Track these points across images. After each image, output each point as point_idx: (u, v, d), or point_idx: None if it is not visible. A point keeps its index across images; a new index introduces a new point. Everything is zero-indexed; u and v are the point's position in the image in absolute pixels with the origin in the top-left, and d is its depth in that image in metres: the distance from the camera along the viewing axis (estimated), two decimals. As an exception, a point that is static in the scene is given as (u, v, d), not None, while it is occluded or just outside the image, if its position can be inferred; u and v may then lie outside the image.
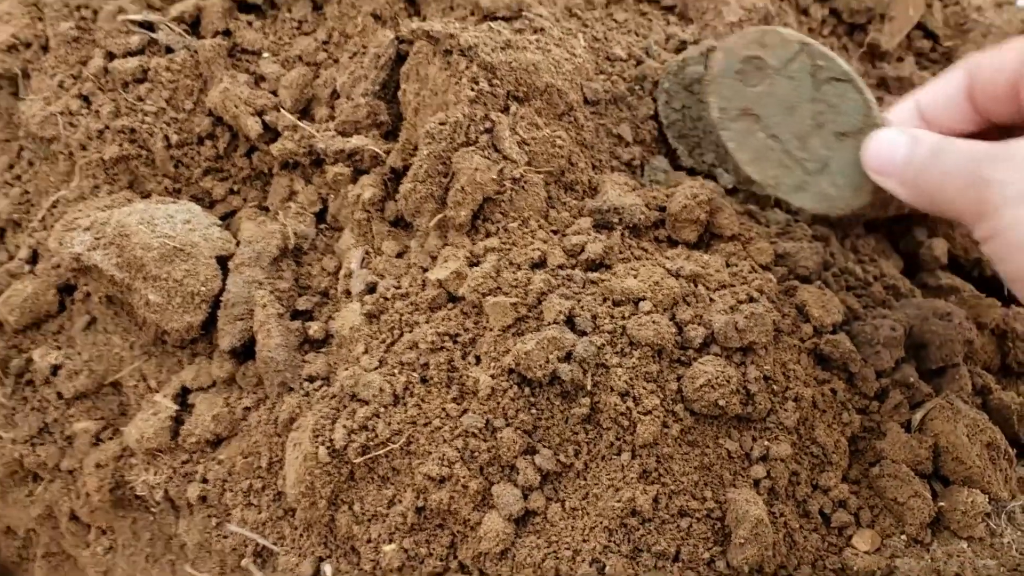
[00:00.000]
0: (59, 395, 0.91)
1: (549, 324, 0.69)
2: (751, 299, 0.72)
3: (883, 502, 0.73)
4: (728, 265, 0.77)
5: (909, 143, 0.51)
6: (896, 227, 0.95)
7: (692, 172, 0.87)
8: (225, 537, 0.80)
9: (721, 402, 0.67)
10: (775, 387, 0.71)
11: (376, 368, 0.72)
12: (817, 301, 0.76)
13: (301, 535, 0.76)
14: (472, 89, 0.76)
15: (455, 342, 0.72)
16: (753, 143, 0.53)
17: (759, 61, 0.52)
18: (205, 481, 0.81)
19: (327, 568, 0.73)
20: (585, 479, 0.68)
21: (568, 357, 0.67)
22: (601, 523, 0.67)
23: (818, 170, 0.53)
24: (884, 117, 0.52)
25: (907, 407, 0.76)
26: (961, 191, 0.47)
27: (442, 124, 0.75)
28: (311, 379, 0.78)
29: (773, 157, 0.54)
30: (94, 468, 0.86)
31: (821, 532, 0.72)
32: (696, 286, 0.73)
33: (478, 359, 0.71)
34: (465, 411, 0.70)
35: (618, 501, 0.67)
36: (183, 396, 0.85)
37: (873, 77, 1.22)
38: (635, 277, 0.72)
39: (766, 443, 0.70)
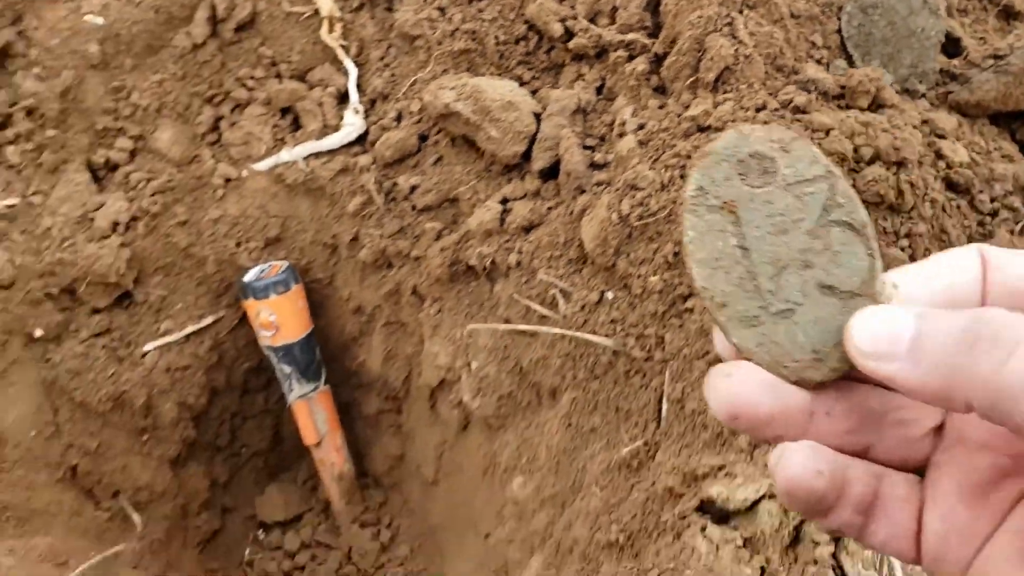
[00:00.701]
0: (413, 207, 1.36)
1: (768, 140, 1.08)
2: (904, 139, 1.09)
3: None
4: (889, 121, 1.13)
5: (919, 319, 0.35)
6: (1014, 122, 1.29)
7: (863, 70, 1.24)
8: (532, 288, 1.22)
9: (882, 192, 1.04)
10: (918, 190, 1.07)
11: (648, 169, 1.13)
12: (950, 147, 1.12)
13: (588, 280, 1.17)
14: (719, -3, 1.17)
15: (704, 153, 1.11)
16: (717, 244, 0.41)
17: (770, 163, 0.41)
18: (520, 252, 1.23)
19: (609, 294, 1.14)
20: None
21: (781, 158, 1.06)
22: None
23: (780, 313, 0.40)
24: (889, 292, 0.38)
25: (1013, 222, 1.11)
26: None
27: (699, 17, 1.16)
28: (598, 184, 1.19)
29: (734, 272, 0.40)
30: (439, 251, 1.30)
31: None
32: (867, 128, 1.10)
33: (718, 164, 1.10)
34: (709, 194, 1.09)
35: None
36: (504, 203, 1.28)
37: (1006, 32, 1.56)
38: (827, 118, 1.10)
39: (909, 225, 1.06)
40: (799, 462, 0.36)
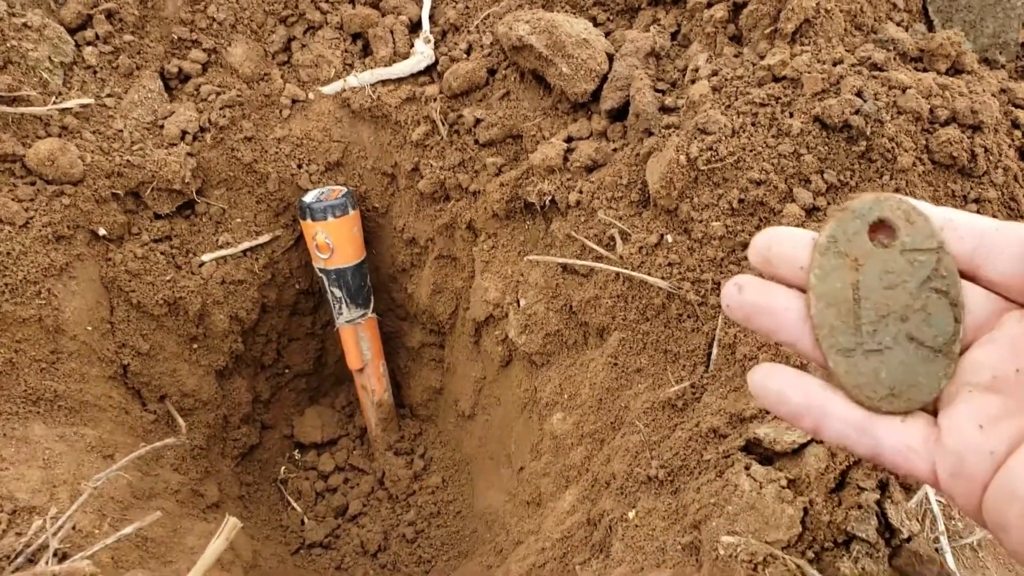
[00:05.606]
0: (476, 140, 1.36)
1: (845, 94, 1.07)
2: (982, 102, 1.07)
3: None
4: (968, 87, 1.12)
5: None
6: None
7: (943, 36, 1.23)
8: (590, 227, 1.22)
9: (955, 154, 1.03)
10: (991, 156, 1.06)
11: (720, 114, 1.12)
12: (1028, 117, 1.10)
13: (649, 222, 1.17)
14: (807, -51, 1.15)
15: (777, 102, 1.11)
16: (836, 286, 0.48)
17: (891, 231, 0.48)
18: (581, 192, 1.24)
19: (668, 237, 1.14)
20: (856, 192, 1.06)
21: (857, 112, 1.05)
22: (864, 215, 1.04)
23: (872, 351, 0.48)
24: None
25: (1084, 198, 1.09)
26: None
27: (785, -32, 1.15)
28: (667, 127, 1.19)
29: (843, 309, 0.48)
30: (498, 186, 1.31)
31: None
32: (944, 91, 1.09)
33: (792, 114, 1.10)
34: (780, 143, 1.08)
35: (877, 203, 1.04)
36: (569, 142, 1.28)
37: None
38: (904, 76, 1.08)
39: (979, 190, 1.05)
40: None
